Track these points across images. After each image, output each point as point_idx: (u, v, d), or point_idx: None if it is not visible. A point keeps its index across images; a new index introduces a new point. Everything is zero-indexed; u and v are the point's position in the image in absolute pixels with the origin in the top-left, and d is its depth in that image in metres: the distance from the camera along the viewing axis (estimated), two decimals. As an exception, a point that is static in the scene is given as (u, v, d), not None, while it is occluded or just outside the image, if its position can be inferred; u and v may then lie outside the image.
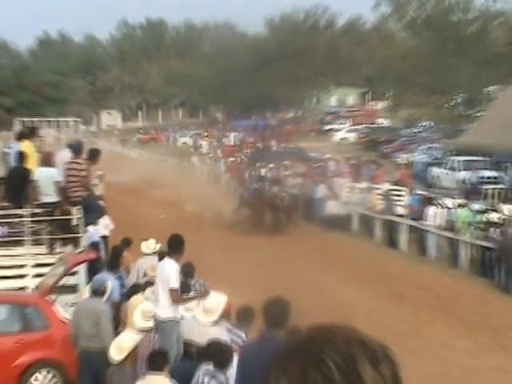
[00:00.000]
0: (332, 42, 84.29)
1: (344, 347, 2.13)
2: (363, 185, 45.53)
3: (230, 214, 35.48)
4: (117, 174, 42.51)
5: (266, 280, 26.16)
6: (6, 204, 24.51)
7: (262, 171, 52.34)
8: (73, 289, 21.56)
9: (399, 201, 41.36)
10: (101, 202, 28.01)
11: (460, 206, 36.63)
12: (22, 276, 23.20)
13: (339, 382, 2.06)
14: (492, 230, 32.41)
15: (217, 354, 11.14)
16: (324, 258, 33.39)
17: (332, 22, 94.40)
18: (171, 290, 15.44)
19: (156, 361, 11.96)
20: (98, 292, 17.61)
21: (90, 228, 24.88)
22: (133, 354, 14.27)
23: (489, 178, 48.67)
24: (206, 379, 11.23)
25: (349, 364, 2.09)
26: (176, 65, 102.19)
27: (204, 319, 14.78)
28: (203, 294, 16.28)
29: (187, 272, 17.28)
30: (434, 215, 37.85)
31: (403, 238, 39.03)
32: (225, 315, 14.85)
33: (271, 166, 54.51)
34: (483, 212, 35.16)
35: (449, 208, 37.44)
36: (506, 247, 30.84)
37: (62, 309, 19.37)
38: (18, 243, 24.12)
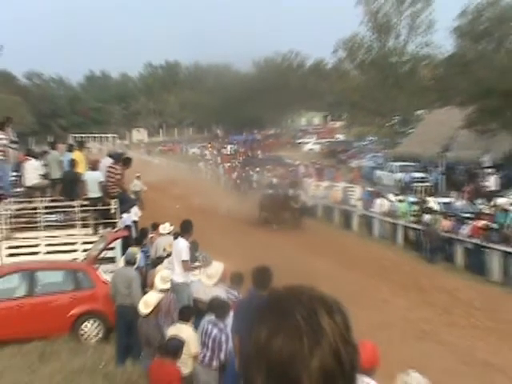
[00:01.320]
0: (302, 78, 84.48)
1: (307, 303, 2.19)
2: (326, 183, 45.84)
3: (254, 217, 33.54)
4: (144, 175, 42.42)
5: (252, 252, 25.61)
6: (62, 198, 24.70)
7: (254, 175, 52.51)
8: (111, 260, 21.68)
9: (352, 195, 41.51)
10: (132, 196, 28.27)
11: (400, 200, 36.94)
12: (74, 250, 23.36)
13: (304, 329, 2.11)
14: (424, 216, 32.61)
15: (217, 307, 11.13)
16: (299, 238, 33.11)
17: (302, 63, 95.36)
18: (183, 262, 15.91)
19: (184, 313, 12.05)
20: (129, 262, 17.67)
21: (124, 215, 25.05)
22: (156, 309, 14.24)
23: (418, 178, 48.88)
24: (210, 326, 11.26)
25: (311, 315, 2.15)
26: (188, 95, 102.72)
27: (207, 282, 14.93)
28: (206, 263, 16.42)
29: (193, 247, 17.37)
30: (379, 205, 38.12)
31: (355, 222, 39.59)
32: (222, 279, 14.89)
33: (258, 169, 54.59)
34: (416, 203, 35.44)
35: (391, 201, 37.74)
36: (428, 230, 31.27)
37: (104, 274, 19.40)
38: (71, 226, 24.47)
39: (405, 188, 44.11)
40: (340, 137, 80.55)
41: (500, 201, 34.68)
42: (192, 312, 12.67)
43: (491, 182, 43.62)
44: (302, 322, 2.14)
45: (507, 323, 21.27)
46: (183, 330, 11.83)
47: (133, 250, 19.43)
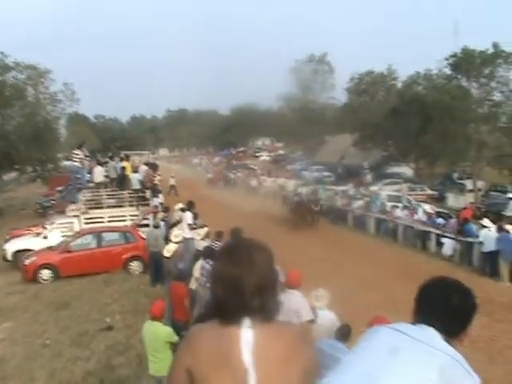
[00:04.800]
0: (260, 117, 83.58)
1: (247, 246, 2.31)
2: (272, 179, 45.70)
3: (282, 219, 28.74)
4: (168, 174, 42.23)
5: (227, 215, 25.07)
6: (116, 189, 24.67)
7: (231, 175, 52.33)
8: (147, 225, 21.59)
9: (288, 186, 41.17)
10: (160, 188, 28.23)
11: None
12: (124, 220, 23.21)
13: (246, 264, 2.22)
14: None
15: (208, 252, 11.02)
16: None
17: (258, 109, 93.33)
18: (188, 225, 15.97)
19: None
20: (157, 226, 17.76)
21: (154, 199, 24.88)
22: (174, 253, 14.25)
23: (326, 175, 49.84)
24: (205, 263, 11.12)
25: (248, 253, 2.26)
26: (192, 128, 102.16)
27: (198, 237, 14.96)
28: (200, 226, 16.54)
29: (195, 216, 17.46)
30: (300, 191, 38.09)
31: None
32: (208, 236, 14.92)
33: (234, 171, 54.39)
34: (327, 190, 35.36)
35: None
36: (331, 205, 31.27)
37: (143, 233, 19.30)
38: (122, 206, 24.19)
39: (319, 181, 44.01)
40: (281, 151, 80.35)
41: (373, 188, 35.18)
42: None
43: (368, 177, 44.37)
44: (243, 257, 2.24)
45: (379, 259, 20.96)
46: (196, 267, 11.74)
47: (158, 219, 19.69)
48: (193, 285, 11.06)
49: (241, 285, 2.20)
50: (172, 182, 42.11)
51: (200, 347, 2.18)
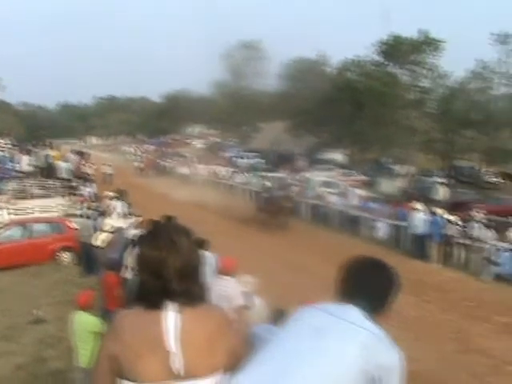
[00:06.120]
0: (192, 105, 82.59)
1: (168, 230, 2.34)
2: (205, 166, 45.48)
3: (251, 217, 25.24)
4: (99, 163, 41.31)
5: (161, 204, 24.27)
6: (43, 178, 24.15)
7: (167, 164, 51.76)
8: (77, 215, 21.23)
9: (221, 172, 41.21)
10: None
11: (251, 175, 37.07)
12: (53, 210, 22.83)
13: (167, 247, 2.25)
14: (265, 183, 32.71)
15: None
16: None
17: (190, 95, 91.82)
18: (119, 213, 15.94)
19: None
20: (88, 216, 17.66)
21: (85, 188, 24.52)
22: (105, 243, 14.14)
23: (260, 162, 49.76)
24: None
25: (170, 237, 2.28)
26: (122, 115, 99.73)
27: (130, 226, 14.86)
28: (134, 215, 16.41)
29: (127, 205, 17.29)
30: (240, 178, 38.23)
31: (223, 189, 38.36)
32: (141, 225, 14.86)
33: (167, 159, 53.89)
34: (262, 177, 35.39)
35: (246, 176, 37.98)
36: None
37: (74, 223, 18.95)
38: (50, 196, 23.76)
39: (254, 168, 44.13)
40: (215, 139, 79.96)
41: (306, 174, 35.64)
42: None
43: (301, 164, 44.84)
44: (165, 241, 2.26)
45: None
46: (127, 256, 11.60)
47: (87, 210, 19.36)
48: (127, 274, 10.96)
49: (163, 269, 2.21)
50: (108, 170, 41.41)
51: (125, 333, 2.18)
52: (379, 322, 2.33)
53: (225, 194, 34.48)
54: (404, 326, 9.73)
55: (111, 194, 20.03)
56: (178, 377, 2.13)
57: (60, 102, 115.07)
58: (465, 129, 38.84)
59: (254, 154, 54.49)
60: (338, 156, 48.14)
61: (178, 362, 2.12)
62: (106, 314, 9.11)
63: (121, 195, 17.29)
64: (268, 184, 29.57)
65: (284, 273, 14.95)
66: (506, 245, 17.44)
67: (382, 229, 22.27)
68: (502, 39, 40.19)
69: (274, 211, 24.45)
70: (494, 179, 39.31)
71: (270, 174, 36.24)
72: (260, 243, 20.67)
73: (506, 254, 17.00)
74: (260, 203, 26.76)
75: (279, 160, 48.72)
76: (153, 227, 2.39)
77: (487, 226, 18.62)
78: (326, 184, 30.33)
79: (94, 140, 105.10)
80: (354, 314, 2.31)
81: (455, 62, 53.27)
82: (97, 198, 22.72)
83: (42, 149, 25.45)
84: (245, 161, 51.30)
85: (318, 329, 2.26)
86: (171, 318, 2.17)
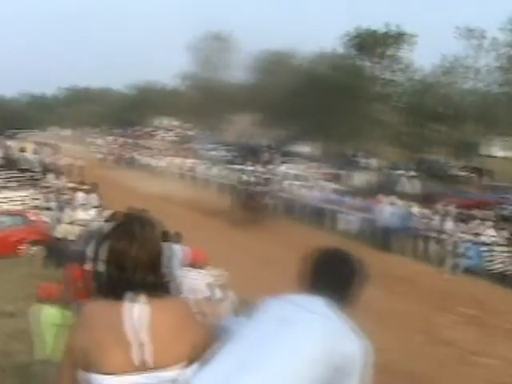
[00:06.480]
0: (159, 96, 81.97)
1: (134, 223, 2.32)
2: (171, 158, 45.12)
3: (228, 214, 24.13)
4: (66, 153, 40.85)
5: (128, 196, 24.05)
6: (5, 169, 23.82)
7: (134, 156, 51.27)
8: (45, 208, 20.98)
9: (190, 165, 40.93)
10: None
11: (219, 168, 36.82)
12: (20, 202, 22.45)
13: (131, 239, 2.25)
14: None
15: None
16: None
17: (159, 85, 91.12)
18: (82, 205, 15.94)
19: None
20: (55, 208, 17.33)
21: (52, 180, 24.20)
22: (72, 236, 14.05)
23: (234, 155, 48.94)
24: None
25: (134, 229, 2.27)
26: (88, 106, 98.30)
27: (97, 218, 14.77)
28: (102, 208, 16.32)
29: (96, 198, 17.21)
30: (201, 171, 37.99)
31: (187, 179, 38.42)
32: (111, 217, 14.72)
33: (134, 151, 53.46)
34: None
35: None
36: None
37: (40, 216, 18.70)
38: (15, 189, 23.28)
39: (222, 161, 43.95)
40: (183, 131, 79.45)
41: (275, 167, 35.70)
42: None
43: (269, 156, 44.82)
44: (128, 232, 2.26)
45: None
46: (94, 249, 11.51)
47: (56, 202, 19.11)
48: (97, 266, 10.86)
49: (128, 260, 2.22)
50: (77, 162, 40.95)
51: (91, 325, 2.19)
52: (344, 313, 2.37)
53: (193, 187, 34.37)
54: (372, 317, 9.73)
55: (80, 186, 19.81)
56: (142, 368, 2.14)
57: (22, 91, 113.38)
58: (433, 122, 39.28)
59: (223, 146, 54.41)
60: (306, 149, 48.35)
61: (141, 354, 2.12)
62: (69, 307, 9.06)
63: (91, 187, 17.12)
64: (247, 178, 27.54)
65: (252, 265, 14.99)
66: (473, 237, 17.72)
67: (351, 222, 22.45)
68: (468, 33, 40.66)
69: (253, 207, 23.86)
70: (462, 173, 39.87)
71: (239, 167, 36.21)
72: (230, 236, 20.61)
73: (473, 246, 17.29)
74: (238, 198, 25.72)
75: (248, 152, 48.65)
76: (118, 219, 2.38)
77: (455, 219, 18.90)
78: (295, 177, 30.41)
79: (60, 131, 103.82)
80: (318, 304, 2.34)
81: (423, 56, 53.86)
82: (65, 190, 22.40)
83: (6, 140, 24.98)
84: (214, 153, 51.14)
85: (282, 319, 2.28)
86: (135, 309, 2.16)
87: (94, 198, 16.46)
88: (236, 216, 23.94)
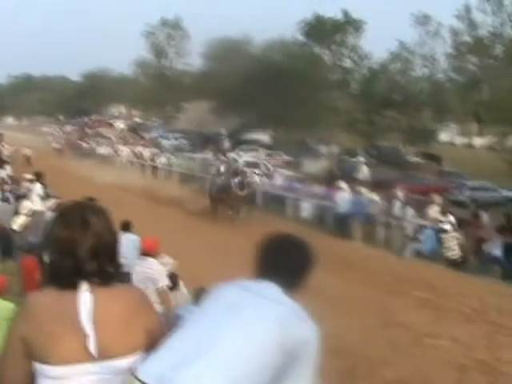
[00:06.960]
0: (113, 84, 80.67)
1: (82, 209, 2.32)
2: (132, 147, 44.50)
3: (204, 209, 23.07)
4: (17, 144, 39.92)
5: (82, 186, 23.67)
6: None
7: (88, 145, 50.43)
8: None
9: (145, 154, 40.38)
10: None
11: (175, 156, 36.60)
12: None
13: (80, 226, 2.23)
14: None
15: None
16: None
17: (113, 73, 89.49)
18: (39, 195, 15.51)
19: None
20: (5, 199, 17.02)
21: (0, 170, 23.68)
22: (24, 227, 13.83)
23: (185, 143, 49.52)
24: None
25: (83, 216, 2.25)
26: (40, 95, 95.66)
27: (48, 209, 14.57)
28: (54, 197, 16.12)
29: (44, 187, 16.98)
30: (159, 160, 37.56)
31: (147, 171, 37.89)
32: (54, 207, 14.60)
33: (88, 140, 52.56)
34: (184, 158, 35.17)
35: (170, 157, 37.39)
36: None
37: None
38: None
39: (177, 149, 43.68)
40: (138, 119, 78.58)
41: (230, 154, 35.64)
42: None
43: (225, 144, 44.70)
44: (77, 219, 2.23)
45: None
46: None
47: (5, 193, 18.68)
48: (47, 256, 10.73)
49: (75, 248, 2.18)
50: (27, 152, 40.17)
51: (36, 314, 2.14)
52: (296, 298, 2.39)
53: (149, 176, 34.12)
54: (327, 303, 9.91)
55: (29, 176, 19.40)
56: (93, 358, 2.11)
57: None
58: (386, 109, 39.80)
59: (178, 134, 54.07)
60: (262, 137, 48.39)
61: (92, 344, 2.10)
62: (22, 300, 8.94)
63: (38, 177, 16.82)
64: (220, 169, 24.71)
65: (204, 252, 15.04)
66: (426, 222, 18.06)
67: (307, 209, 22.61)
68: (422, 20, 41.26)
69: (226, 199, 22.46)
70: (415, 159, 40.49)
71: (195, 155, 36.10)
72: (187, 226, 20.57)
73: (426, 231, 17.61)
74: (210, 189, 24.06)
75: (203, 141, 48.50)
76: (66, 207, 2.36)
77: (408, 205, 19.22)
78: (251, 165, 30.43)
79: (8, 120, 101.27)
80: (270, 289, 2.36)
81: (378, 43, 54.32)
82: (13, 180, 21.88)
83: None
84: (169, 142, 50.80)
85: (234, 305, 2.29)
86: (84, 298, 2.14)
87: (38, 188, 16.17)
88: (196, 206, 23.24)
